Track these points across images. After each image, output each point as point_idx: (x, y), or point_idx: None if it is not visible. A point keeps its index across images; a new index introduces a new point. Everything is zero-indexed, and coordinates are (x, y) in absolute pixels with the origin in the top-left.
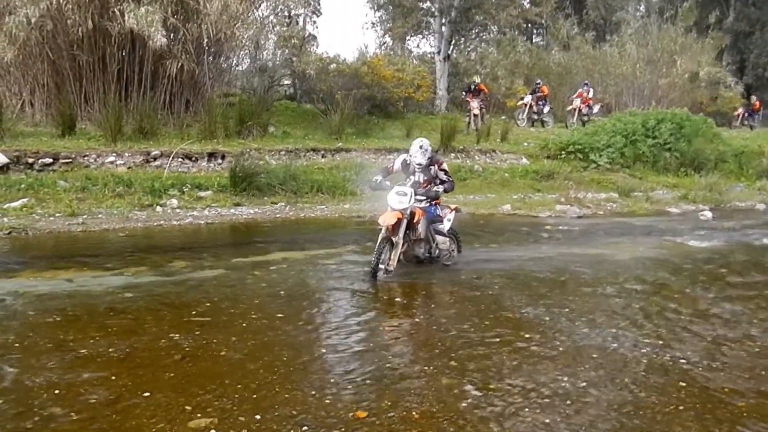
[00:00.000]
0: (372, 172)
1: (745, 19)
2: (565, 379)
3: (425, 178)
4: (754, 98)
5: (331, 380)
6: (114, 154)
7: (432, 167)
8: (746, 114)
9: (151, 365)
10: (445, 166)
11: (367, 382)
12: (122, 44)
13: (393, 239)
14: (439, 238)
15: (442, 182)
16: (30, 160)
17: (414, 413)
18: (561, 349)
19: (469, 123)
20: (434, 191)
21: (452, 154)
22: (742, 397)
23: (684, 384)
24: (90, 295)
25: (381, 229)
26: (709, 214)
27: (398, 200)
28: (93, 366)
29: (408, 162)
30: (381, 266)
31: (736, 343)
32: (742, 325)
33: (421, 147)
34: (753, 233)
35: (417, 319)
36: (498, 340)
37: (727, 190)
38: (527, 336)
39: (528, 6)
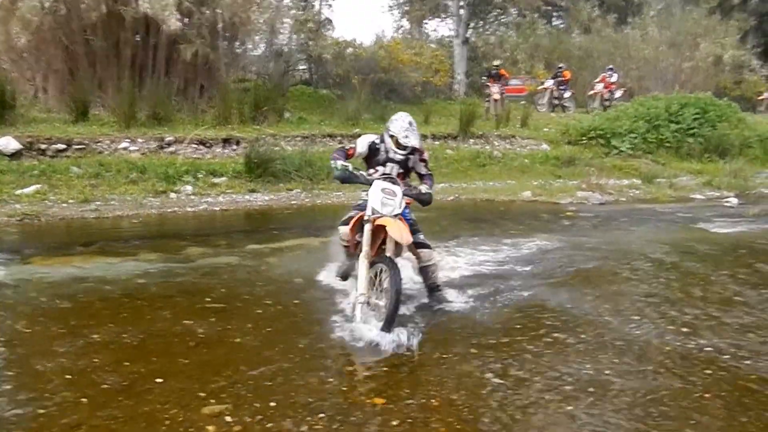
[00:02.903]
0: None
1: None
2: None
3: (399, 170)
4: None
5: (348, 367)
6: (127, 140)
7: (411, 156)
8: None
9: (165, 352)
10: (426, 155)
11: (385, 369)
12: (136, 29)
13: (384, 263)
14: (423, 252)
15: (421, 177)
16: (43, 147)
17: (433, 401)
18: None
19: (488, 108)
20: (427, 194)
21: (471, 140)
22: None
23: (710, 372)
24: (103, 281)
25: (349, 247)
26: (734, 201)
27: (387, 202)
28: (105, 352)
29: (378, 146)
30: (364, 301)
31: (763, 330)
32: (763, 311)
33: (411, 124)
34: None
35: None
36: (520, 327)
37: (753, 177)
38: (551, 324)
39: None
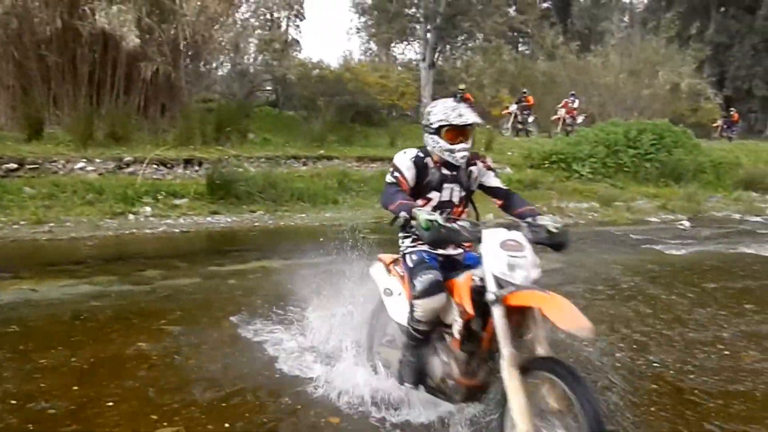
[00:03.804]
0: (391, 201)
1: (725, 32)
2: None
3: (462, 193)
4: (732, 110)
5: (305, 387)
6: (84, 160)
7: (473, 167)
8: (725, 126)
9: (117, 375)
10: (490, 161)
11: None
12: (93, 45)
13: (547, 369)
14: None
15: (498, 195)
16: None
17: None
18: None
19: None
20: (562, 232)
21: None
22: (711, 397)
23: (656, 387)
24: (54, 304)
25: (421, 333)
26: (687, 224)
27: (517, 262)
28: (54, 376)
29: (425, 161)
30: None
31: (708, 346)
32: (713, 329)
33: (457, 102)
34: (728, 242)
35: None
36: None
37: (705, 201)
38: None
39: (513, 14)
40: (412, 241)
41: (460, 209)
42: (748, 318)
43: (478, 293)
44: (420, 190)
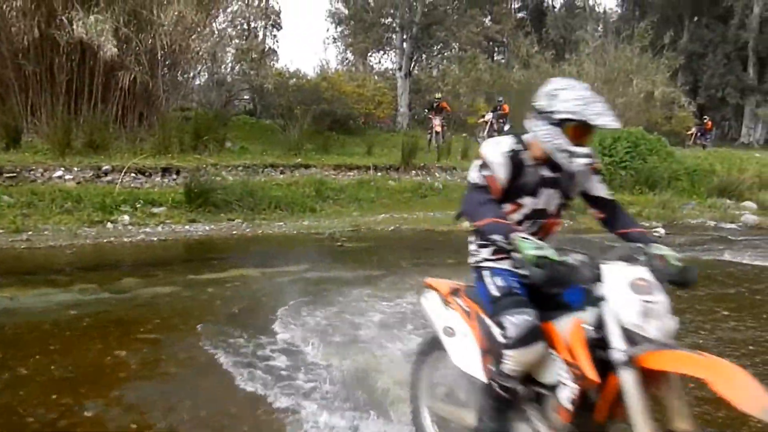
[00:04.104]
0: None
1: (698, 41)
2: None
3: (560, 200)
4: (706, 118)
5: (287, 398)
6: (62, 169)
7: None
8: (699, 134)
9: (96, 384)
10: (598, 162)
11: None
12: (71, 54)
13: None
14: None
15: (599, 205)
16: None
17: None
18: None
19: (430, 140)
20: (690, 268)
21: (413, 172)
22: (691, 404)
23: None
24: (32, 313)
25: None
26: (662, 231)
27: (652, 309)
28: (32, 385)
29: (521, 156)
30: None
31: None
32: (691, 336)
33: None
34: (703, 249)
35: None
36: None
37: (680, 208)
38: None
39: (489, 23)
40: (492, 253)
41: (554, 221)
42: (724, 324)
43: (592, 347)
44: (510, 191)
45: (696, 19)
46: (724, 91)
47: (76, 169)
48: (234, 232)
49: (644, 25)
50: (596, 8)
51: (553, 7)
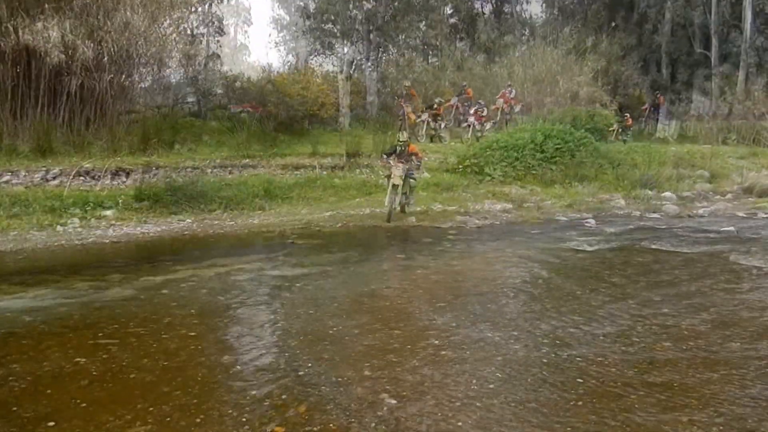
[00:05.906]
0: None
1: (617, 44)
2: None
3: None
4: (626, 115)
5: (248, 397)
6: (9, 173)
7: None
8: (652, 108)
9: (56, 393)
10: None
11: (284, 397)
12: (17, 60)
13: None
14: None
15: None
16: None
17: (331, 425)
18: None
19: (401, 126)
20: None
21: (357, 170)
22: (633, 389)
23: (581, 381)
24: None
25: None
26: (592, 222)
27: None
28: None
29: None
30: None
31: (625, 338)
32: (627, 323)
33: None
34: (632, 238)
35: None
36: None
37: (608, 200)
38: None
39: (425, 29)
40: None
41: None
42: (657, 310)
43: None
44: None
45: (614, 24)
46: (640, 90)
47: (23, 173)
48: (185, 232)
49: (568, 30)
50: (522, 14)
51: (483, 13)
